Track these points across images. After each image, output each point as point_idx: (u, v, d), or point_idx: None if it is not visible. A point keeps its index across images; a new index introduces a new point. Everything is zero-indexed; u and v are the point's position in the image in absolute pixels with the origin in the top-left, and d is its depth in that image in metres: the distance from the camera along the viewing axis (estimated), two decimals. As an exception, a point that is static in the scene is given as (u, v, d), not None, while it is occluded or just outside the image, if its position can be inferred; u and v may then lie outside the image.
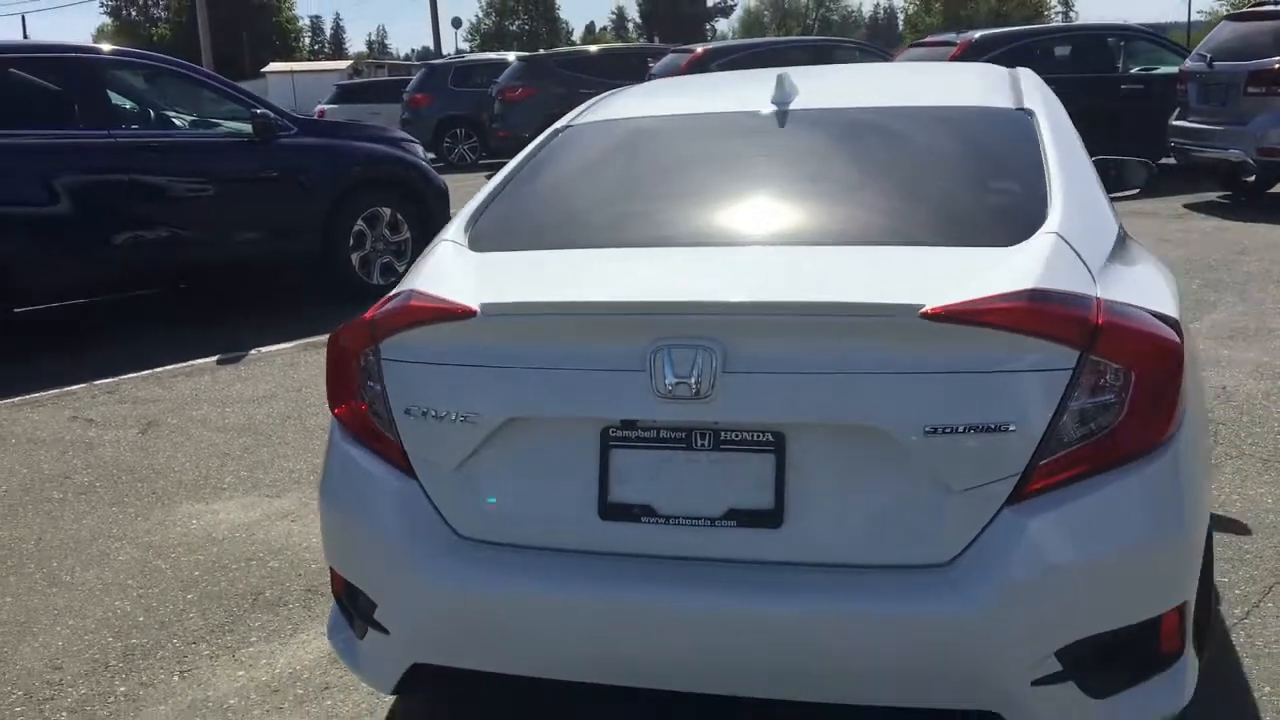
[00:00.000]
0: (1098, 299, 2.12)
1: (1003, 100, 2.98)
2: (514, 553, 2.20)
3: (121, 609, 3.60)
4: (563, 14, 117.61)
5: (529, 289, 2.32)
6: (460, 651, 2.23)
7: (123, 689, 3.12)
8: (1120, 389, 2.06)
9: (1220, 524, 3.86)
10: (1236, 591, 3.40)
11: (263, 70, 65.60)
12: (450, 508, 2.24)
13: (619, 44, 18.55)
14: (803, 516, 2.07)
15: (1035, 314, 2.02)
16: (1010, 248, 2.25)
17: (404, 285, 2.50)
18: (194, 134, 7.77)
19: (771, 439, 2.07)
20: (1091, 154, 2.94)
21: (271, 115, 7.65)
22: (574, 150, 3.07)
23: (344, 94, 21.80)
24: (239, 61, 73.12)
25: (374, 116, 21.09)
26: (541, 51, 21.34)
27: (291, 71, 59.86)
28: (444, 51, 53.60)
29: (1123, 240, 2.58)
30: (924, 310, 2.00)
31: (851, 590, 2.03)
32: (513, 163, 3.07)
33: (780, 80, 3.03)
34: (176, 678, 3.16)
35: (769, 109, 2.99)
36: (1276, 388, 5.39)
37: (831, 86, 3.28)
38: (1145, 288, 2.35)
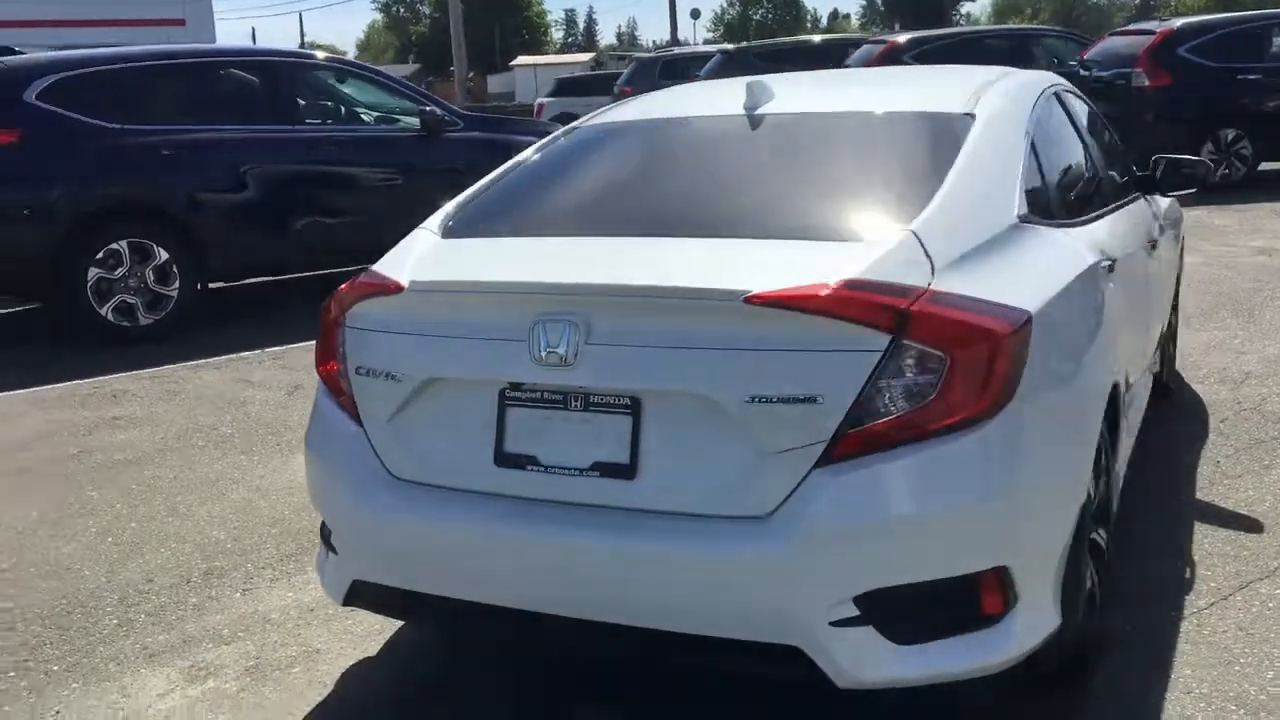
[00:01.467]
0: (923, 289, 2.37)
1: (953, 105, 3.19)
2: (431, 491, 2.63)
3: (216, 537, 4.23)
4: (807, 2, 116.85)
5: (451, 270, 2.74)
6: (388, 571, 2.68)
7: (193, 600, 3.73)
8: (934, 369, 2.31)
9: (1231, 518, 3.91)
10: (1212, 584, 3.49)
11: (511, 64, 68.34)
12: (385, 452, 2.70)
13: (819, 36, 18.55)
14: (652, 470, 2.42)
15: (846, 301, 2.30)
16: (864, 243, 2.52)
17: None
18: (371, 129, 8.56)
19: (629, 403, 2.42)
20: None
21: (439, 112, 8.35)
22: (565, 149, 3.47)
23: (562, 87, 22.75)
24: (490, 55, 76.31)
25: (588, 108, 21.93)
26: (743, 45, 21.60)
27: (535, 65, 62.12)
28: (681, 42, 54.44)
29: (1019, 235, 2.76)
30: (747, 296, 2.30)
31: (684, 535, 2.36)
32: (517, 158, 3.50)
33: (752, 87, 3.34)
34: (239, 595, 3.75)
35: (735, 113, 3.31)
36: (1372, 392, 5.27)
37: (805, 93, 3.54)
38: (1007, 280, 2.55)
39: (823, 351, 2.30)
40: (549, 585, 2.48)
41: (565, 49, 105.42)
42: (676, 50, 24.24)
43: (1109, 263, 3.17)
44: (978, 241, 2.63)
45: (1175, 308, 5.48)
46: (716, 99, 3.54)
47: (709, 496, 2.37)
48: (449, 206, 3.23)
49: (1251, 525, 3.89)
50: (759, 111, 3.30)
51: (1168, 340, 5.11)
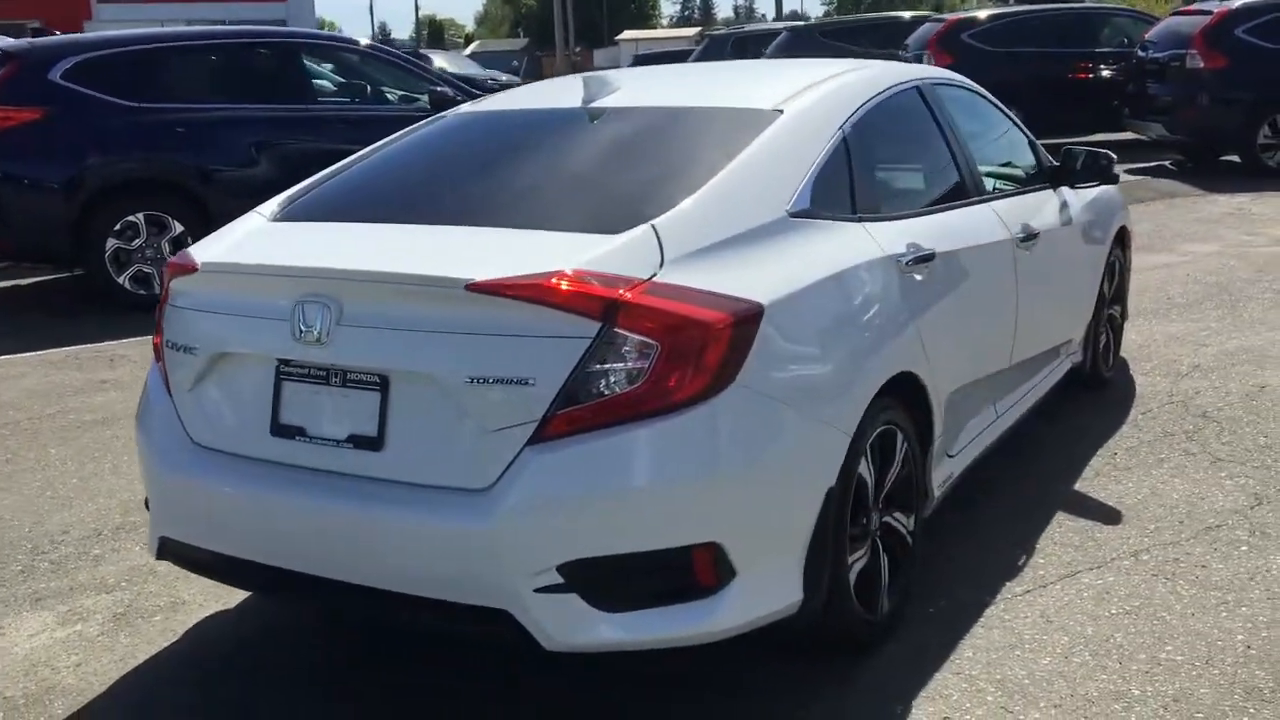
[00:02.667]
0: (640, 280, 2.52)
1: (765, 102, 3.32)
2: (222, 457, 2.87)
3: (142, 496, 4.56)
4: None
5: (243, 252, 2.97)
6: (188, 530, 2.94)
7: (96, 552, 4.04)
8: (645, 356, 2.47)
9: (1096, 509, 3.97)
10: (1040, 572, 3.58)
11: (616, 38, 68.53)
12: (188, 420, 2.95)
13: (887, 14, 18.27)
14: (396, 444, 2.62)
15: (557, 291, 2.47)
16: (602, 235, 2.68)
17: None
18: (381, 107, 8.86)
19: (378, 380, 2.63)
20: None
21: (449, 92, 8.59)
22: (421, 136, 3.67)
23: (639, 63, 22.84)
24: (598, 29, 76.58)
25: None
26: (809, 22, 21.44)
27: (640, 40, 62.23)
28: (792, 16, 53.99)
29: (788, 229, 2.89)
30: (468, 283, 2.49)
31: (413, 504, 2.56)
32: (382, 141, 3.73)
33: (589, 82, 3.51)
34: (138, 549, 4.04)
35: (567, 107, 3.48)
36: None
37: (641, 88, 3.68)
38: (747, 273, 2.68)
39: (536, 337, 2.48)
40: (305, 547, 2.71)
41: (682, 23, 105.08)
42: (747, 28, 24.09)
43: (917, 257, 3.26)
44: (729, 235, 2.76)
45: (1118, 299, 5.48)
46: (566, 93, 3.70)
47: (441, 470, 2.56)
48: (296, 188, 3.46)
49: (1110, 517, 3.94)
50: (588, 106, 3.47)
51: (1097, 332, 5.11)
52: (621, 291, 2.48)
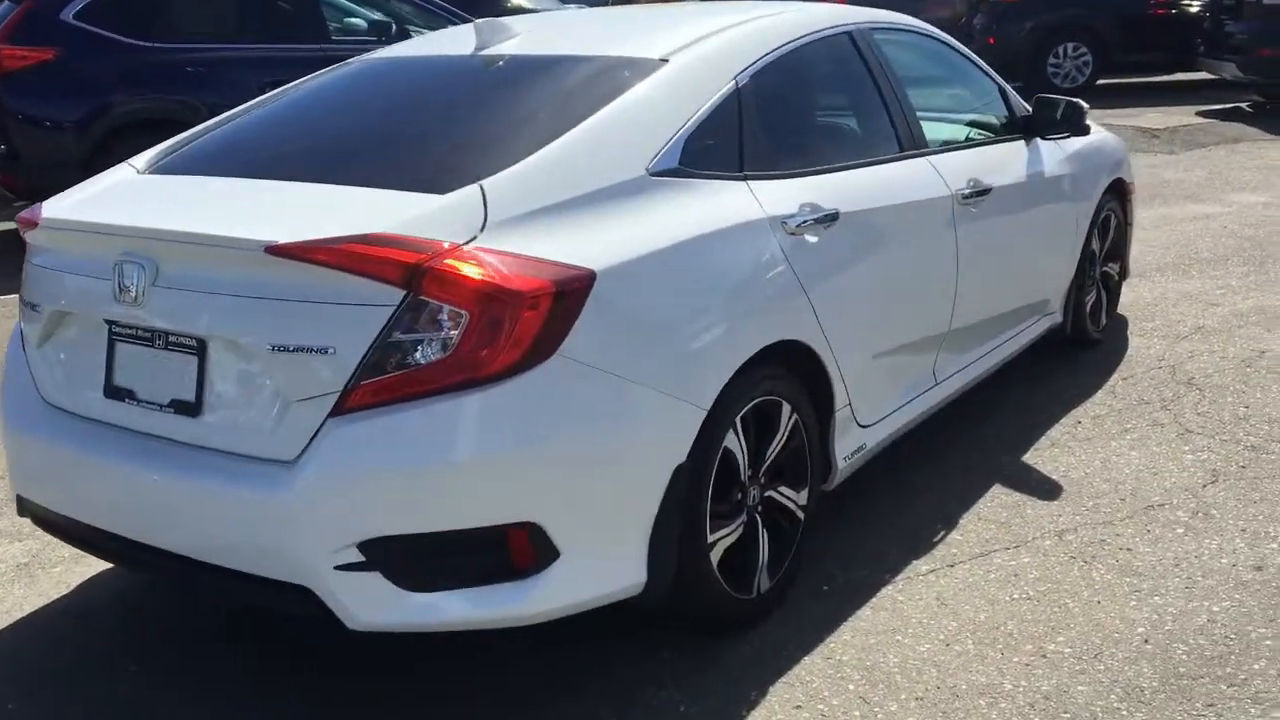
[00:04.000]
0: (452, 245, 2.39)
1: (652, 50, 3.13)
2: (66, 417, 2.83)
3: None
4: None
5: (81, 208, 2.88)
6: (37, 489, 2.90)
7: (22, 497, 4.06)
8: (453, 326, 2.34)
9: (1036, 484, 3.77)
10: (954, 550, 3.40)
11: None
12: (39, 377, 2.90)
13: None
14: (212, 409, 2.54)
15: (356, 256, 2.34)
16: (434, 195, 2.54)
17: None
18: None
19: (195, 344, 2.55)
20: None
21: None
22: (310, 85, 3.55)
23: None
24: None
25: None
26: None
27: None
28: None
29: (644, 188, 2.72)
30: (268, 246, 2.38)
31: (222, 472, 2.48)
32: (284, 88, 3.62)
33: (482, 28, 3.35)
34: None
35: (459, 54, 3.33)
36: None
37: (539, 35, 3.49)
38: (584, 237, 2.53)
39: (338, 304, 2.36)
40: (131, 513, 2.65)
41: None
42: None
43: (815, 218, 3.07)
44: (571, 195, 2.61)
45: (1114, 256, 5.18)
46: (465, 40, 3.53)
47: (253, 439, 2.48)
48: (182, 136, 3.37)
49: (1049, 492, 3.74)
50: (474, 55, 3.32)
51: (1081, 291, 4.84)
52: (428, 257, 2.35)
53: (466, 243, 2.42)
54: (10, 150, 7.59)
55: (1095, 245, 4.94)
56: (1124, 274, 5.38)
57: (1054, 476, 3.85)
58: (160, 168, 3.10)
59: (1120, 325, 5.39)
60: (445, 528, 2.38)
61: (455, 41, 3.56)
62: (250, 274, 2.43)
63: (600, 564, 2.56)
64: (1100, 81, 14.09)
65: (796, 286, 2.99)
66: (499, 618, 2.46)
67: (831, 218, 3.15)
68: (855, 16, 3.78)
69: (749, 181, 3.01)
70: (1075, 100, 4.34)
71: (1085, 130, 4.44)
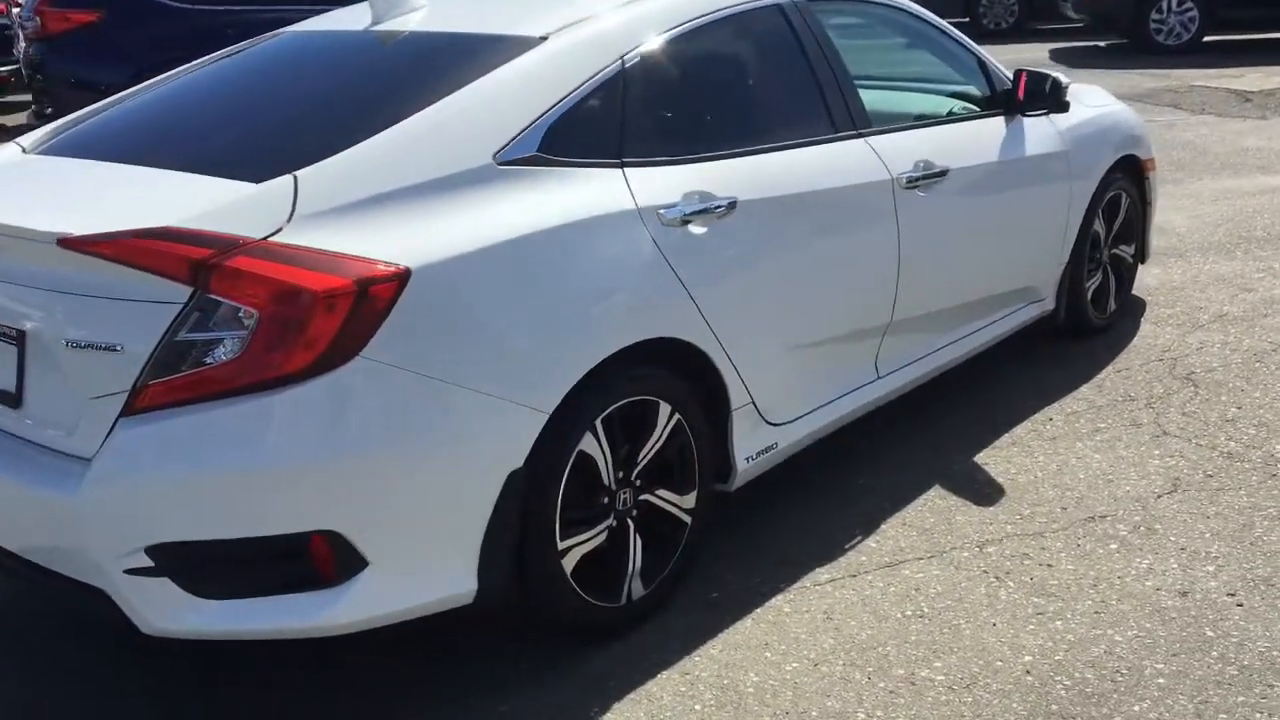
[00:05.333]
0: (246, 240, 2.29)
1: (536, 28, 2.98)
2: None
3: None
4: None
5: None
6: None
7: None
8: (245, 325, 2.26)
9: (979, 488, 3.57)
10: (863, 558, 3.23)
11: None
12: None
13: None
14: (30, 402, 2.50)
15: (142, 251, 2.27)
16: (246, 184, 2.45)
17: None
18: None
19: (15, 335, 2.51)
20: None
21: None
22: (217, 60, 3.48)
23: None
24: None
25: None
26: None
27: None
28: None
29: (487, 178, 2.58)
30: (60, 238, 2.32)
31: (28, 467, 2.43)
32: (197, 61, 3.56)
33: (376, 2, 3.24)
34: None
35: (352, 31, 3.23)
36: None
37: (436, 9, 3.35)
38: (406, 231, 2.41)
39: (127, 300, 2.30)
40: None
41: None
42: None
43: (702, 208, 2.90)
44: (398, 186, 2.49)
45: (1125, 238, 4.86)
46: (367, 13, 3.42)
47: (63, 435, 2.43)
48: (79, 113, 3.34)
49: (988, 497, 3.52)
50: (365, 31, 3.21)
51: (1079, 277, 4.55)
52: (214, 253, 2.26)
53: (266, 237, 2.32)
54: (55, 113, 7.75)
55: (1099, 227, 4.63)
56: (1142, 257, 5.04)
57: (1001, 479, 3.62)
58: (45, 148, 3.07)
59: (1135, 311, 5.06)
60: (236, 535, 2.31)
61: (358, 15, 3.45)
62: (52, 266, 2.38)
63: (418, 573, 2.46)
64: (1208, 38, 13.31)
65: (674, 281, 2.83)
66: (302, 628, 2.38)
67: (727, 206, 2.98)
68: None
69: (626, 169, 2.85)
70: (1053, 75, 4.04)
71: (1065, 107, 4.14)
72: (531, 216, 2.60)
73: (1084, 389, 4.28)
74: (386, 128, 2.59)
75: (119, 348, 2.30)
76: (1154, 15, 13.26)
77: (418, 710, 2.66)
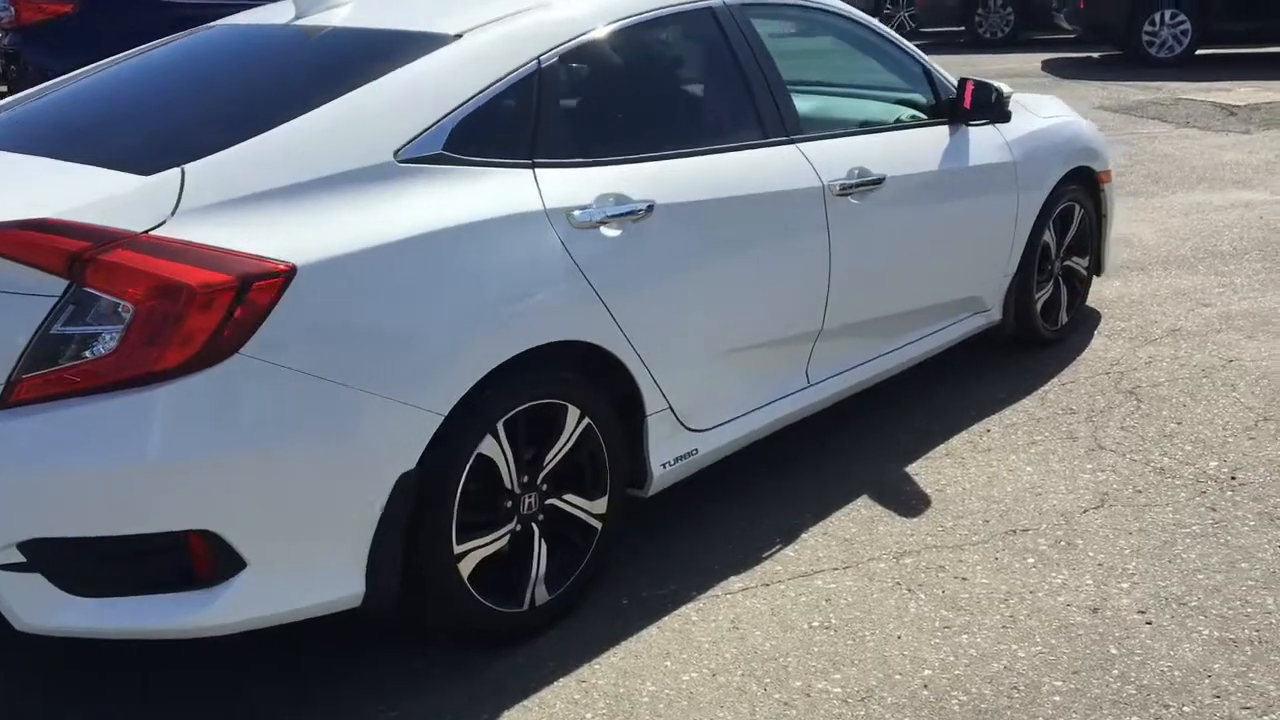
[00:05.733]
0: (128, 234, 2.27)
1: (451, 26, 2.95)
2: None
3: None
4: None
5: None
6: None
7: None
8: (118, 320, 2.24)
9: (906, 499, 3.54)
10: (779, 566, 3.20)
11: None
12: None
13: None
14: None
15: (15, 242, 2.24)
16: (138, 176, 2.42)
17: None
18: None
19: None
20: None
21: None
22: (152, 51, 3.46)
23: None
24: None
25: None
26: None
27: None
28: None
29: (384, 175, 2.56)
30: None
31: None
32: (141, 49, 3.54)
33: None
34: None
35: (276, 24, 3.21)
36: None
37: (358, 5, 3.32)
38: (283, 229, 2.37)
39: (4, 292, 2.28)
40: None
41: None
42: None
43: (617, 213, 2.88)
44: (290, 182, 2.46)
45: (1079, 250, 4.83)
46: (294, 7, 3.40)
47: None
48: (18, 96, 3.32)
49: (912, 508, 3.49)
50: (292, 23, 3.19)
51: (1028, 288, 4.52)
52: (90, 246, 2.24)
53: (148, 230, 2.30)
54: (27, 102, 7.74)
55: (1050, 239, 4.60)
56: (1096, 269, 5.02)
57: (929, 490, 3.59)
58: None
59: (1089, 323, 5.03)
60: (110, 532, 2.28)
61: (285, 10, 3.42)
62: None
63: (302, 575, 2.44)
64: (1201, 51, 13.28)
65: (583, 284, 2.80)
66: (179, 628, 2.36)
67: (644, 210, 2.95)
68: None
69: (538, 170, 2.82)
70: (996, 85, 4.01)
71: (1006, 117, 4.11)
72: (430, 216, 2.58)
73: (1026, 401, 4.25)
74: (285, 122, 2.56)
75: None
76: (1147, 27, 13.23)
77: (306, 713, 2.63)
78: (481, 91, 2.80)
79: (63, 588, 2.31)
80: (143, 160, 2.49)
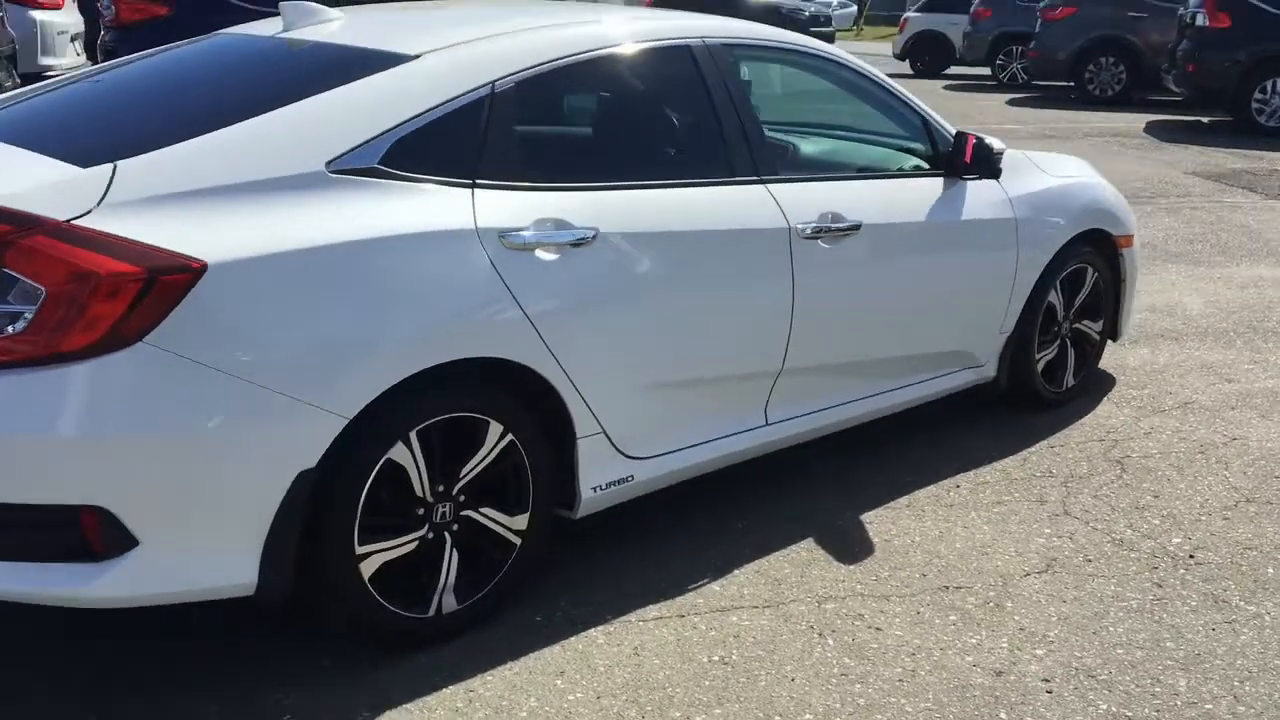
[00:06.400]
0: (49, 220, 2.41)
1: (413, 46, 3.07)
2: None
3: None
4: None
5: None
6: None
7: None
8: (31, 300, 2.39)
9: (849, 540, 3.54)
10: (700, 599, 3.23)
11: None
12: None
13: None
14: None
15: None
16: (75, 168, 2.58)
17: None
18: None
19: None
20: None
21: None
22: (166, 52, 3.65)
23: (933, 2, 21.58)
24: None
25: (952, 27, 20.83)
26: None
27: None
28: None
29: (312, 184, 2.67)
30: None
31: None
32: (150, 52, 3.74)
33: (287, 11, 3.38)
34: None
35: (265, 35, 3.38)
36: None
37: (345, 25, 3.43)
38: (202, 228, 2.50)
39: None
40: None
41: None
42: None
43: (560, 237, 2.96)
44: (215, 184, 2.58)
45: (1091, 313, 4.76)
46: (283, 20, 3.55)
47: None
48: (15, 92, 3.54)
49: (853, 555, 3.49)
50: (278, 36, 3.35)
51: (1028, 349, 4.46)
52: (11, 229, 2.39)
53: (70, 219, 2.44)
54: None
55: (1055, 299, 4.53)
56: (1111, 335, 4.92)
57: (876, 540, 3.58)
58: None
59: (1100, 388, 4.94)
60: (6, 500, 2.42)
61: (276, 23, 3.59)
62: None
63: (194, 558, 2.55)
64: (1314, 123, 12.88)
65: (510, 304, 2.88)
66: (67, 596, 2.49)
67: (588, 237, 3.02)
68: (711, 30, 3.58)
69: (477, 190, 2.91)
70: (989, 140, 3.99)
71: (996, 173, 4.08)
72: (353, 225, 2.69)
73: (1007, 460, 4.20)
74: (217, 128, 2.70)
75: None
76: (1257, 95, 12.89)
77: (200, 695, 2.74)
78: (428, 110, 2.91)
79: (-34, 550, 2.46)
80: (86, 153, 2.64)
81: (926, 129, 4.12)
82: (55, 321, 2.38)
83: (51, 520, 2.45)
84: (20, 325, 2.40)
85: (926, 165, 4.11)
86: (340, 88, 2.88)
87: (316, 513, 2.67)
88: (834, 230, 3.60)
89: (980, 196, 4.14)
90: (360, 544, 2.75)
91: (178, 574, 2.55)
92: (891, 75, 15.08)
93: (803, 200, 3.57)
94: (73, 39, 11.54)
